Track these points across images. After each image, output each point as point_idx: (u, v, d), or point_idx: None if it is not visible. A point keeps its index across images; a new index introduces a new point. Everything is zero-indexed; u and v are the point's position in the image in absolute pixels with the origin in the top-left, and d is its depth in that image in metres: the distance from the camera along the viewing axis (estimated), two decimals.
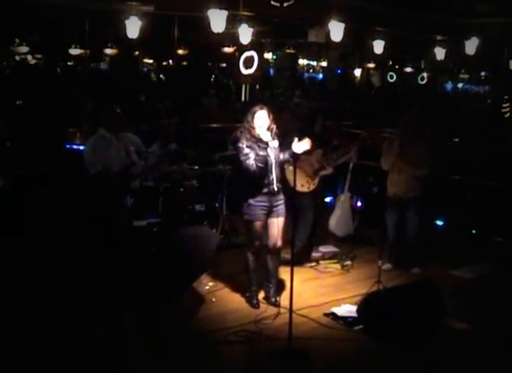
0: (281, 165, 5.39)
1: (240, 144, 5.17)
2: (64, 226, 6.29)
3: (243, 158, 5.15)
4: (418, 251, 6.51)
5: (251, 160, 5.12)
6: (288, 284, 5.05)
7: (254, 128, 5.15)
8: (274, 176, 5.22)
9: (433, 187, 6.83)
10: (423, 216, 6.50)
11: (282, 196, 5.35)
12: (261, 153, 5.12)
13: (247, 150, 5.14)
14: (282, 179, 5.50)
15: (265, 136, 5.08)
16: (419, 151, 6.31)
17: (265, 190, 5.23)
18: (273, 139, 5.14)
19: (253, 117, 5.18)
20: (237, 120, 10.76)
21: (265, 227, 5.40)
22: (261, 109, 5.21)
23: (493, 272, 6.62)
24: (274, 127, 5.20)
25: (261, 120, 5.16)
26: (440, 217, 7.70)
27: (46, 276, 5.59)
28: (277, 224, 5.35)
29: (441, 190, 7.53)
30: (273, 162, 5.19)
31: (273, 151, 5.17)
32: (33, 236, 6.31)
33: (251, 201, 5.25)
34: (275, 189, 5.25)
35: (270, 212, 5.32)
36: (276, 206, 5.32)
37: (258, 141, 5.14)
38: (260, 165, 5.11)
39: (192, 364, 4.44)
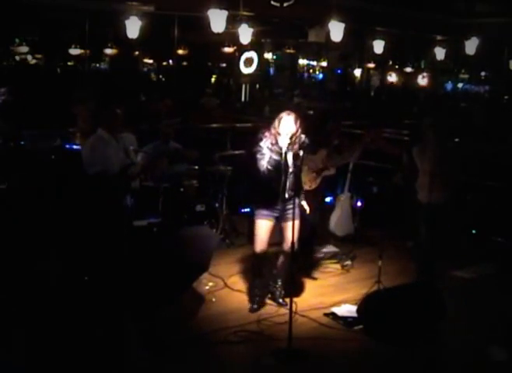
0: (297, 173, 5.28)
1: (262, 144, 5.15)
2: (64, 226, 6.29)
3: (258, 156, 5.13)
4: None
5: (264, 161, 5.09)
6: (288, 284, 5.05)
7: (279, 134, 5.10)
8: (287, 183, 5.17)
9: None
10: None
11: (293, 201, 5.22)
12: (275, 157, 5.09)
13: (265, 151, 5.12)
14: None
15: (283, 142, 5.04)
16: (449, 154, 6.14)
17: (276, 196, 5.20)
18: (300, 148, 5.13)
19: (279, 123, 5.12)
20: (237, 119, 10.80)
21: (273, 232, 5.32)
22: (288, 114, 5.16)
23: (493, 272, 6.62)
24: (300, 135, 5.16)
25: (287, 127, 5.10)
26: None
27: (46, 276, 5.59)
28: (291, 228, 5.27)
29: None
30: (289, 170, 5.15)
31: (291, 159, 5.14)
32: (33, 236, 6.30)
33: (259, 204, 5.26)
34: (286, 196, 5.21)
35: (281, 216, 5.28)
36: (287, 210, 5.23)
37: (277, 146, 5.12)
38: (269, 167, 5.08)
39: (192, 364, 4.44)
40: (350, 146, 6.92)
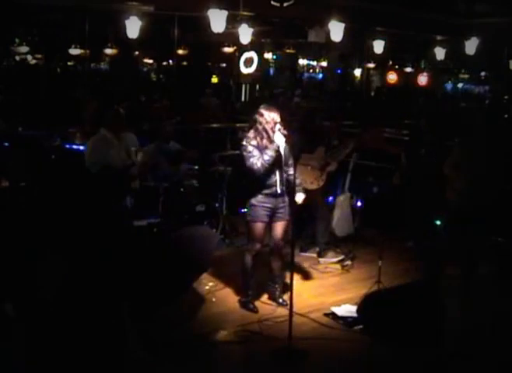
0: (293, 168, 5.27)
1: (245, 142, 5.13)
2: (65, 226, 6.29)
3: (246, 155, 5.09)
4: None
5: (255, 159, 5.06)
6: (288, 284, 5.05)
7: (274, 132, 5.06)
8: (277, 177, 5.18)
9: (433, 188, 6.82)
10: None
11: (285, 199, 5.26)
12: (271, 153, 5.05)
13: (250, 148, 5.09)
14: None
15: (279, 140, 5.02)
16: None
17: (268, 192, 5.20)
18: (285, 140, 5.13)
19: (267, 119, 5.09)
20: (237, 119, 10.80)
21: (267, 229, 5.35)
22: (269, 108, 5.15)
23: (493, 272, 6.62)
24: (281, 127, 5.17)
25: (276, 120, 5.10)
26: (439, 217, 7.69)
27: (46, 275, 5.59)
28: (281, 226, 5.33)
29: (440, 190, 7.52)
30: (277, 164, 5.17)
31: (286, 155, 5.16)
32: (33, 235, 6.30)
33: (254, 202, 5.22)
34: (278, 191, 5.21)
35: (273, 214, 5.28)
36: (280, 208, 5.26)
37: (270, 143, 5.09)
38: (266, 165, 5.06)
39: (192, 364, 4.44)
40: (346, 141, 6.96)
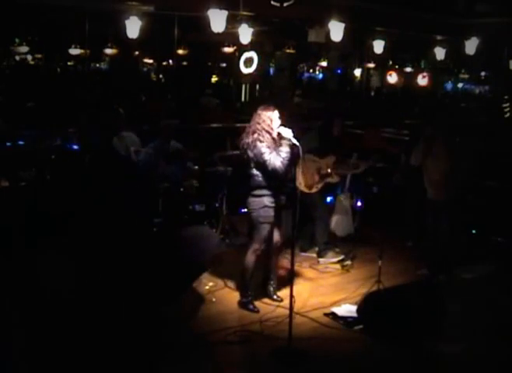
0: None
1: (264, 145, 5.13)
2: (65, 226, 6.28)
3: (268, 157, 5.09)
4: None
5: (274, 160, 5.07)
6: (288, 284, 5.05)
7: (273, 130, 5.14)
8: (292, 174, 5.21)
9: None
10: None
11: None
12: (286, 149, 5.08)
13: (269, 150, 5.12)
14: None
15: (287, 133, 5.01)
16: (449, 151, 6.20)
17: (276, 189, 5.25)
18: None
19: (271, 120, 5.16)
20: (237, 119, 10.81)
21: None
22: (267, 109, 5.22)
23: (493, 272, 6.62)
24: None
25: (278, 121, 5.18)
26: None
27: (47, 276, 5.58)
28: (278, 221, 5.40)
29: None
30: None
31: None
32: (33, 236, 6.29)
33: (267, 203, 5.22)
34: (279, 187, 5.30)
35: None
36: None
37: (279, 140, 5.14)
38: (285, 162, 5.08)
39: (192, 364, 4.44)
40: (350, 146, 6.94)
